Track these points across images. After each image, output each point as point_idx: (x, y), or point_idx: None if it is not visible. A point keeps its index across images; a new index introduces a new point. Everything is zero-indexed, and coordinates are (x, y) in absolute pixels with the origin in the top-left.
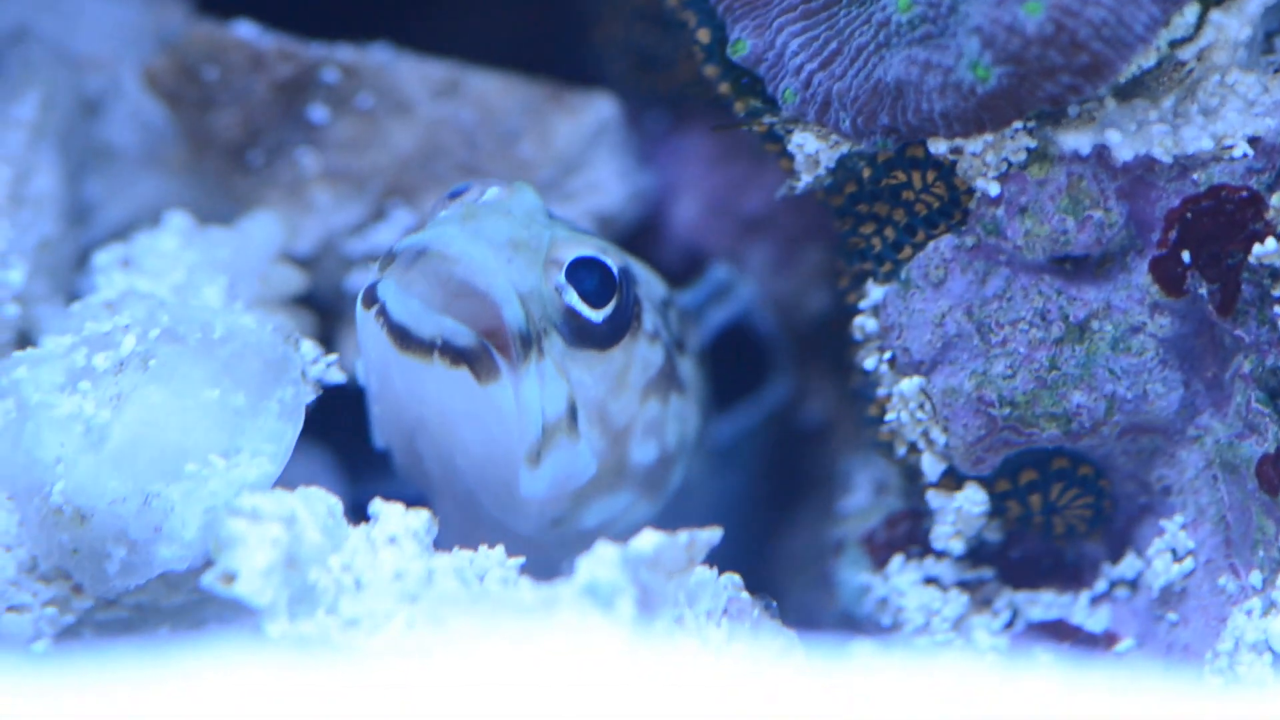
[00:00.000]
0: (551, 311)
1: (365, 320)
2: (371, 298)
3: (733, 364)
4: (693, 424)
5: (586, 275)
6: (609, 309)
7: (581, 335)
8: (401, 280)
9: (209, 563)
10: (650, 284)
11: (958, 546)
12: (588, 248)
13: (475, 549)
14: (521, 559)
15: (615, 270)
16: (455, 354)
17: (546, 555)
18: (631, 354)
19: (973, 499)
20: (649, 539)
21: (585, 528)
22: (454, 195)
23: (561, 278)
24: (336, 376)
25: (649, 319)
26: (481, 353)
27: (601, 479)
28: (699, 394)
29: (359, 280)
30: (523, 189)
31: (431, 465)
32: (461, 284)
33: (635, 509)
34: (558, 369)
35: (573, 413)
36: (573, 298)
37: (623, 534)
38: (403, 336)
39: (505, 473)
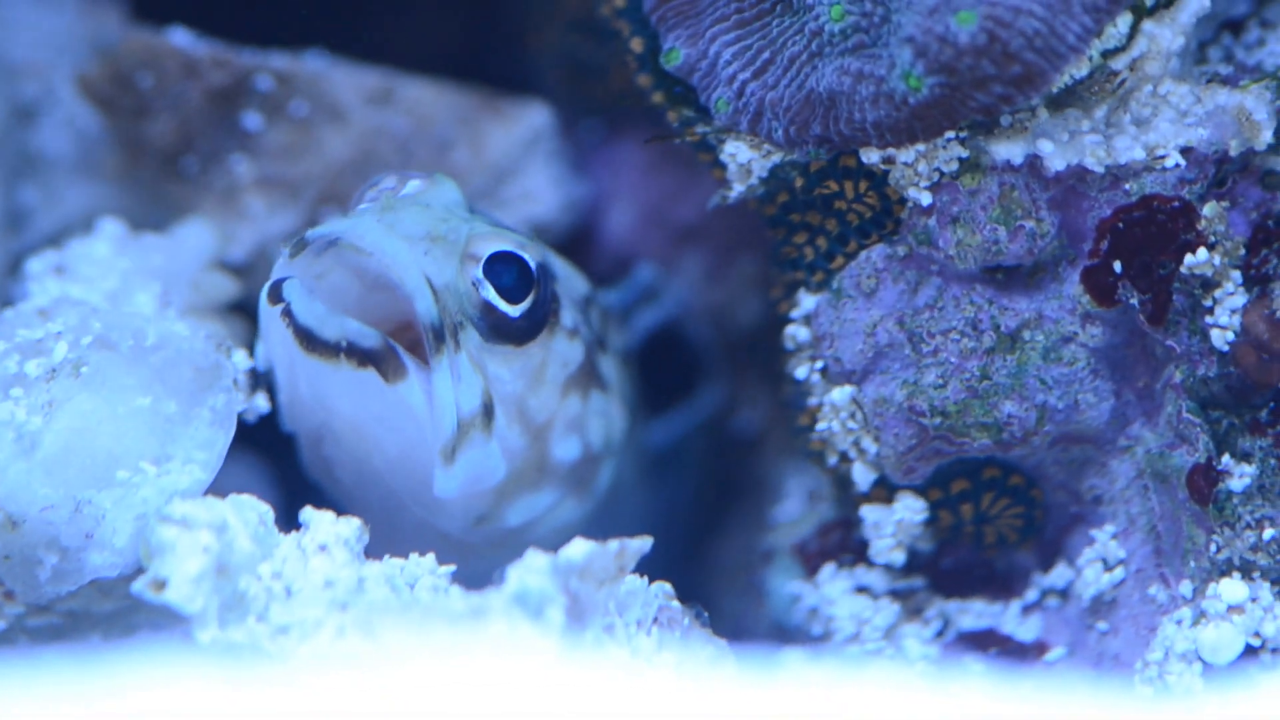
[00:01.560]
0: (468, 305)
1: (270, 316)
2: (277, 295)
3: (664, 370)
4: (618, 423)
5: (504, 270)
6: (526, 304)
7: (498, 330)
8: (307, 278)
9: (140, 570)
10: (571, 280)
11: (899, 558)
12: (506, 242)
13: (397, 551)
14: (452, 567)
15: (533, 265)
16: (361, 355)
17: (477, 555)
18: (550, 349)
19: (912, 508)
20: (579, 547)
21: (510, 525)
22: (373, 186)
23: (479, 272)
24: (263, 406)
25: (568, 315)
26: (387, 353)
27: (523, 475)
28: (624, 393)
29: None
30: (443, 181)
31: (345, 470)
32: (375, 276)
33: (561, 507)
34: (473, 364)
35: (488, 409)
36: (489, 292)
37: (551, 533)
38: (308, 339)
39: (421, 471)
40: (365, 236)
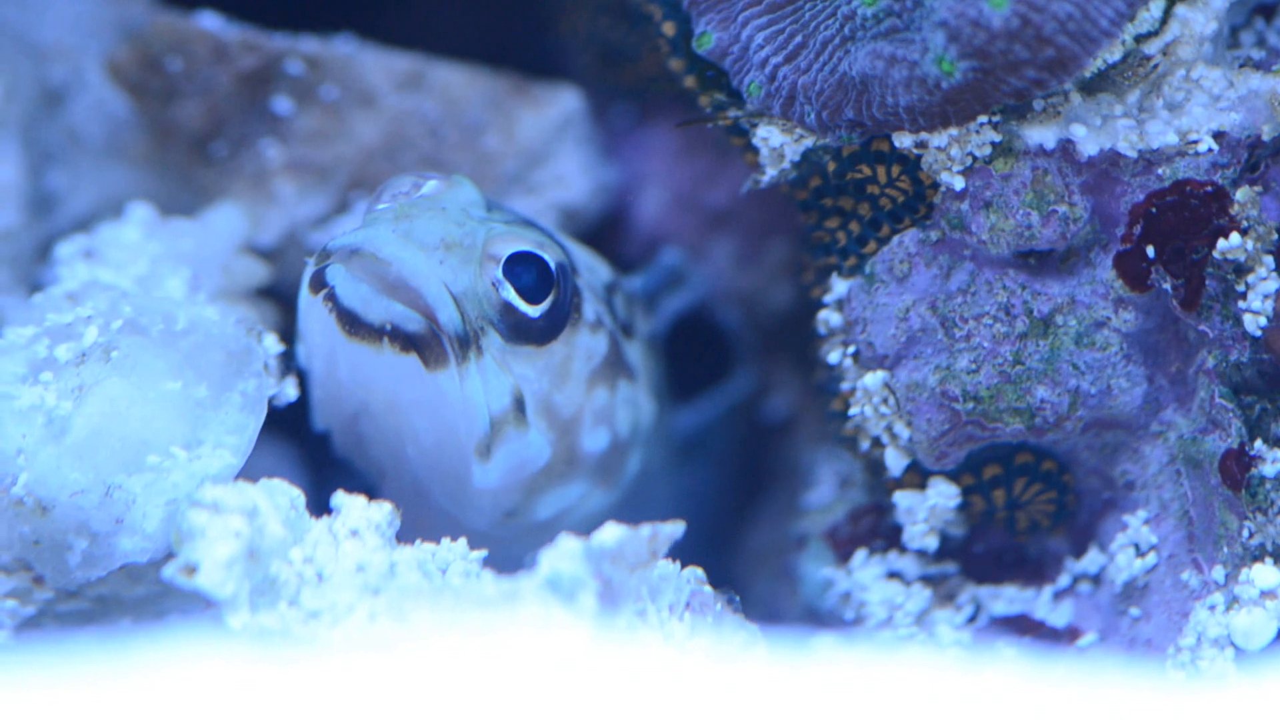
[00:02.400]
0: (488, 308)
1: (311, 305)
2: (319, 282)
3: (694, 355)
4: (646, 410)
5: (523, 270)
6: (546, 304)
7: (519, 330)
8: (350, 267)
9: (170, 555)
10: (594, 270)
11: (933, 543)
12: (524, 242)
13: (423, 539)
14: (484, 552)
15: (553, 265)
16: (405, 339)
17: (503, 549)
18: (573, 345)
19: (945, 493)
20: (612, 532)
21: (539, 519)
22: (389, 189)
23: (499, 272)
24: (293, 392)
25: (590, 308)
26: (431, 339)
27: (553, 469)
28: (651, 379)
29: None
30: (460, 182)
31: (379, 452)
32: (394, 284)
33: (590, 498)
34: (499, 365)
35: (519, 404)
36: (509, 293)
37: (579, 524)
38: (351, 321)
39: (456, 464)
40: (384, 247)
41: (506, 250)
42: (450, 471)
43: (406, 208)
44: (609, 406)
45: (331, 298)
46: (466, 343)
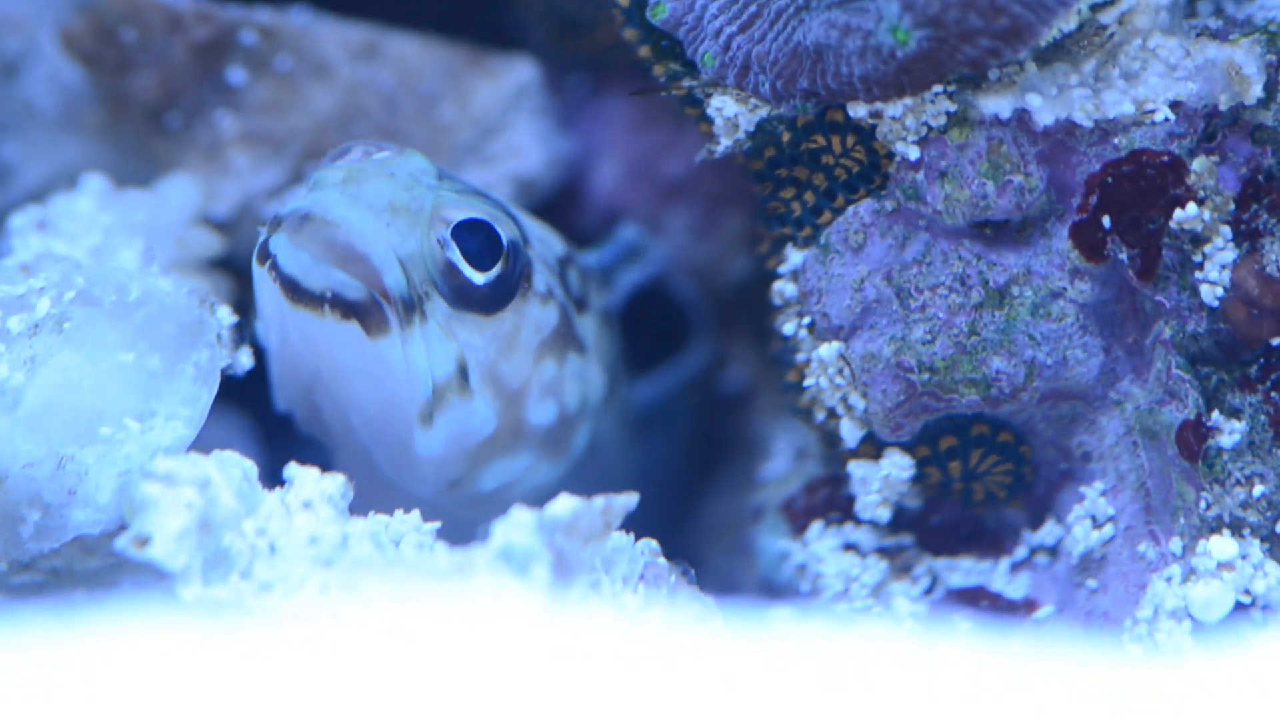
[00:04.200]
0: (434, 271)
1: (260, 276)
2: (265, 253)
3: (651, 328)
4: (597, 384)
5: (470, 237)
6: (495, 272)
7: (465, 297)
8: (294, 236)
9: (123, 526)
10: (547, 242)
11: (885, 514)
12: (474, 210)
13: (373, 510)
14: (437, 524)
15: (502, 234)
16: (345, 307)
17: (451, 520)
18: (522, 315)
19: (899, 464)
20: (565, 504)
21: (484, 489)
22: (341, 155)
23: (446, 234)
24: (247, 362)
25: (541, 279)
26: (371, 306)
27: (498, 439)
28: (604, 354)
29: None
30: (411, 154)
31: (331, 421)
32: (343, 248)
33: (536, 470)
34: (444, 331)
35: (463, 372)
36: (455, 254)
37: (525, 496)
38: (294, 289)
39: (400, 431)
40: (331, 209)
41: (456, 216)
42: (394, 439)
43: (355, 171)
44: (557, 379)
45: (275, 267)
46: (411, 307)
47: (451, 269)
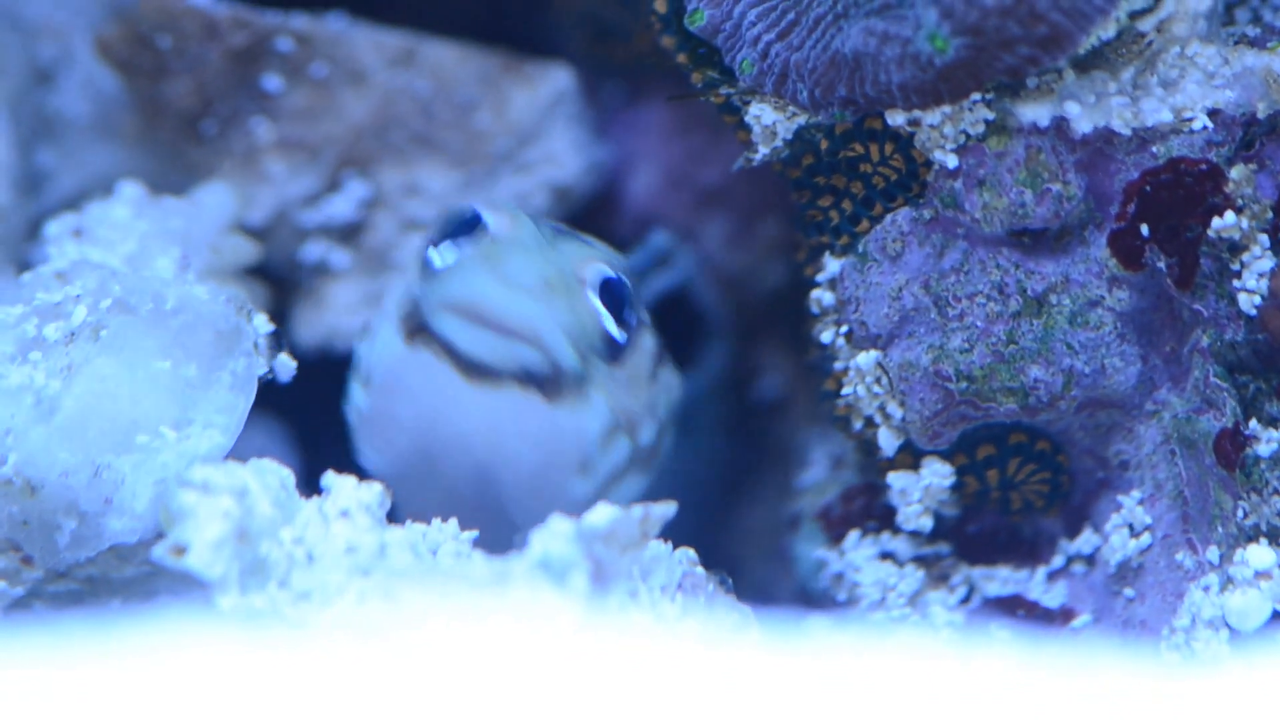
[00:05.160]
0: (594, 338)
1: (411, 355)
2: (427, 334)
3: (670, 334)
4: (675, 389)
5: (608, 297)
6: (629, 325)
7: (613, 353)
8: (470, 321)
9: (160, 535)
10: (618, 264)
11: (926, 524)
12: (600, 266)
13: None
14: (474, 532)
15: (627, 285)
16: (529, 380)
17: None
18: (639, 350)
19: (938, 473)
20: (603, 513)
21: None
22: (452, 229)
23: (596, 303)
24: (283, 370)
25: (638, 309)
26: (554, 377)
27: (627, 469)
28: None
29: (313, 251)
30: (520, 215)
31: (460, 484)
32: (522, 330)
33: (639, 485)
34: (600, 389)
35: (615, 420)
36: (609, 324)
37: None
38: (474, 366)
39: (557, 482)
40: (493, 297)
41: (590, 276)
42: (549, 490)
43: (493, 251)
44: (654, 396)
45: (450, 349)
46: (581, 377)
47: (605, 334)
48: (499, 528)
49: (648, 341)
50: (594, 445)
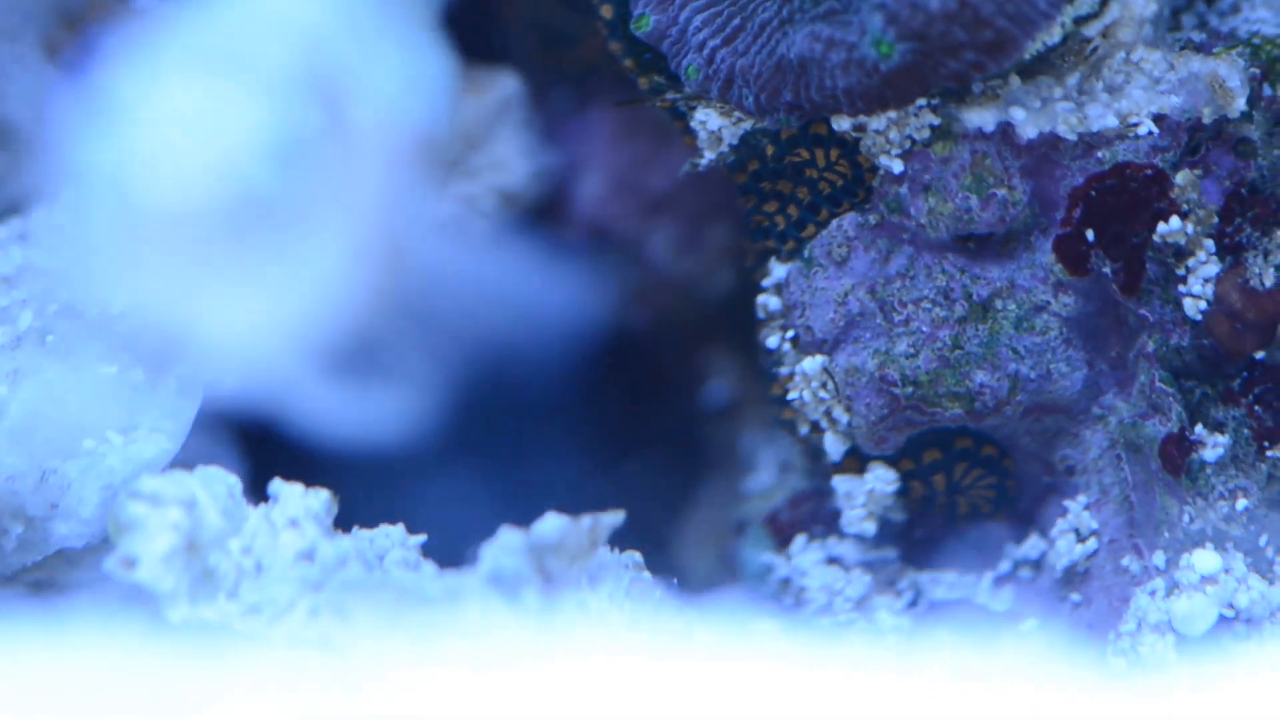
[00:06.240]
0: None
1: None
2: None
3: None
4: None
5: None
6: None
7: None
8: None
9: (107, 540)
10: None
11: (869, 528)
12: None
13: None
14: (423, 537)
15: None
16: None
17: None
18: None
19: (884, 478)
20: (553, 524)
21: None
22: None
23: None
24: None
25: None
26: None
27: None
28: None
29: None
30: None
31: None
32: None
33: None
34: None
35: None
36: None
37: None
38: None
39: None
40: None
41: None
42: None
43: None
44: None
45: None
46: None
47: None
48: None
49: None
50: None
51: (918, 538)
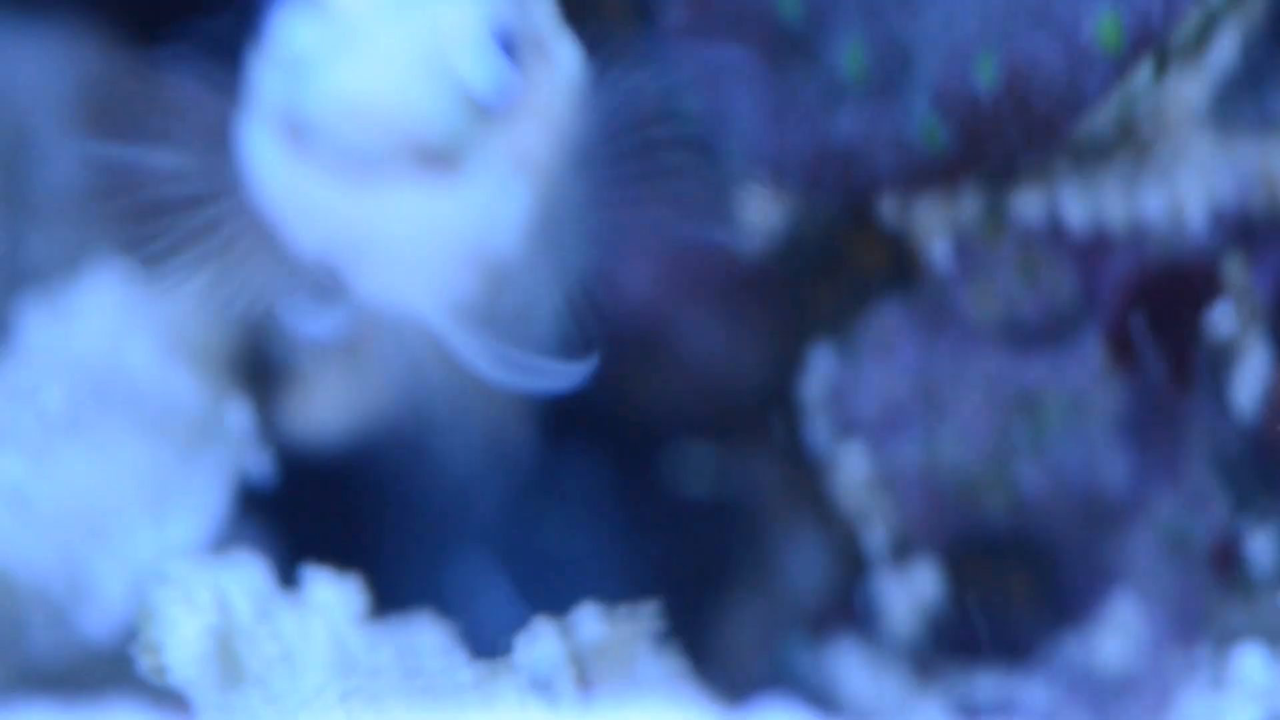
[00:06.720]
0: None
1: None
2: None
3: None
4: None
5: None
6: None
7: (499, 103)
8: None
9: (134, 628)
10: None
11: (914, 624)
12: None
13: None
14: (456, 625)
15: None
16: (408, 158)
17: None
18: (539, 92)
19: (927, 575)
20: (589, 619)
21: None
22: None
23: (468, 56)
24: (261, 463)
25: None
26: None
27: None
28: None
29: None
30: None
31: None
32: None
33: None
34: (490, 148)
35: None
36: (484, 76)
37: None
38: (348, 158)
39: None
40: (349, 82)
41: (469, 30)
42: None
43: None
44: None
45: (322, 143)
46: (462, 147)
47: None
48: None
49: (538, 73)
50: (485, 200)
51: (961, 636)
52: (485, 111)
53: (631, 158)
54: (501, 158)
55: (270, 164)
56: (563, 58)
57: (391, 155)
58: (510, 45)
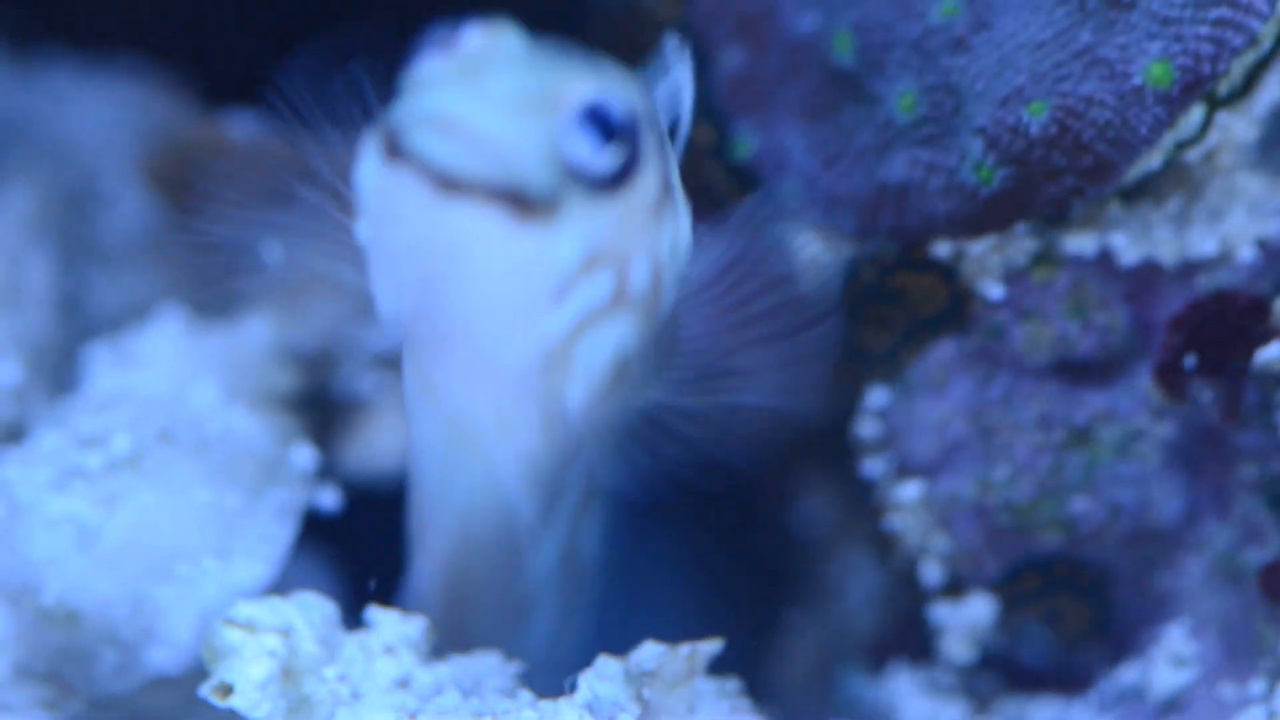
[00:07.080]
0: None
1: (386, 175)
2: (393, 148)
3: None
4: (685, 237)
5: (601, 125)
6: (629, 154)
7: (598, 181)
8: (433, 126)
9: (201, 665)
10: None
11: (970, 654)
12: (594, 87)
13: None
14: (519, 664)
15: (625, 111)
16: (495, 193)
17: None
18: (637, 183)
19: (982, 604)
20: (651, 651)
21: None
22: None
23: (574, 124)
24: (327, 502)
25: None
26: (522, 191)
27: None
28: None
29: (358, 379)
30: (499, 29)
31: (443, 317)
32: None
33: (627, 333)
34: (577, 215)
35: (594, 251)
36: (582, 148)
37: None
38: (442, 179)
39: (526, 307)
40: (458, 107)
41: (579, 99)
42: (517, 316)
43: (465, 64)
44: (654, 238)
45: (420, 162)
46: (552, 200)
47: (588, 159)
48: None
49: (651, 177)
50: (565, 272)
51: (1016, 664)
52: (582, 178)
53: (733, 322)
54: (596, 234)
55: (368, 185)
56: (681, 206)
57: (477, 182)
58: (632, 131)
